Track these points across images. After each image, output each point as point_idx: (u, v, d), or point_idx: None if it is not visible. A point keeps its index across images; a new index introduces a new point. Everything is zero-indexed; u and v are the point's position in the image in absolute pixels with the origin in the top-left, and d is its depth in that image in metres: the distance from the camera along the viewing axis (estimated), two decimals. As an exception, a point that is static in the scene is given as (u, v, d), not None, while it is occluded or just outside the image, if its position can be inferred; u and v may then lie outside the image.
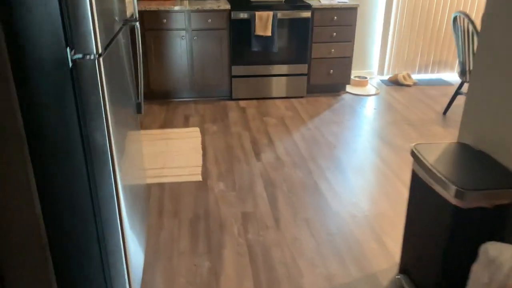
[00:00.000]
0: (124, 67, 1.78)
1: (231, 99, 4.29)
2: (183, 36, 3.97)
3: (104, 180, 1.44)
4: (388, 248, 2.16)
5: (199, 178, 2.79)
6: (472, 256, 1.49)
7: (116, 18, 1.65)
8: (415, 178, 1.76)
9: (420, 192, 1.72)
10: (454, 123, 3.72)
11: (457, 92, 3.82)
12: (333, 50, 4.23)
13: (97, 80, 1.32)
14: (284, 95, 4.33)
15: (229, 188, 2.68)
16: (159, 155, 3.09)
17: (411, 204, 1.83)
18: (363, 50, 4.89)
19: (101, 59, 1.30)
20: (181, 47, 4.01)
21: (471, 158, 1.67)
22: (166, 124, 3.68)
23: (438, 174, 1.55)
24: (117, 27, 1.65)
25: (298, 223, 2.36)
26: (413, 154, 1.75)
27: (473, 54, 3.50)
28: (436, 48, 4.94)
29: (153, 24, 3.90)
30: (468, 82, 3.55)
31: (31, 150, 1.29)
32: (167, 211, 2.47)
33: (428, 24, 4.82)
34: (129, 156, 1.73)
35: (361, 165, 3.00)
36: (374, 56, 4.95)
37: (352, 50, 4.27)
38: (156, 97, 4.26)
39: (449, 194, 1.50)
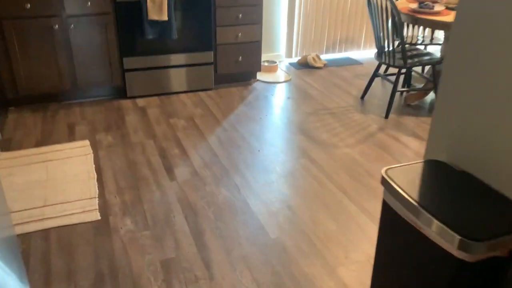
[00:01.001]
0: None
1: (126, 97, 3.59)
2: (56, 24, 3.14)
3: None
4: (347, 286, 1.79)
5: (97, 215, 2.15)
6: (481, 316, 1.16)
7: None
8: (390, 213, 1.38)
9: (400, 233, 1.35)
10: (373, 108, 3.51)
11: (375, 75, 3.61)
12: (240, 34, 3.74)
13: None
14: (189, 89, 3.75)
15: (139, 226, 2.09)
16: (37, 187, 2.35)
17: (384, 244, 1.46)
18: (269, 31, 4.48)
19: None
20: (55, 38, 3.18)
21: (458, 184, 1.32)
22: (43, 139, 2.89)
23: (432, 218, 1.18)
24: None
25: (234, 264, 1.88)
26: (385, 182, 1.36)
27: (392, 33, 3.28)
28: (342, 27, 4.72)
29: (12, 10, 3.01)
30: (386, 64, 3.33)
31: None
32: (56, 273, 1.81)
33: (332, 3, 4.55)
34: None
35: (291, 170, 2.61)
36: (281, 37, 4.57)
37: (261, 33, 3.82)
38: (28, 103, 3.39)
39: (450, 244, 1.14)
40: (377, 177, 2.56)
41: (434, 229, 1.19)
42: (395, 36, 3.43)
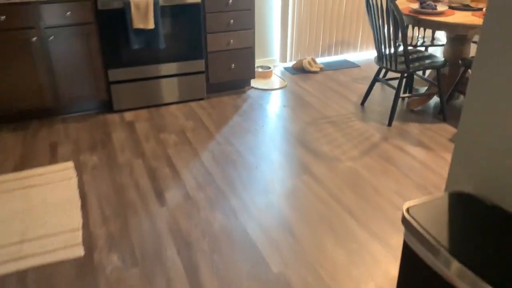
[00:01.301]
0: None
1: (112, 111, 3.38)
2: (34, 37, 2.92)
3: None
4: (362, 328, 1.61)
5: (80, 251, 1.94)
6: None
7: None
8: (412, 257, 1.19)
9: (424, 282, 1.16)
10: (374, 115, 3.33)
11: (375, 79, 3.43)
12: (232, 40, 3.54)
13: None
14: (180, 99, 3.54)
15: (127, 263, 1.89)
16: (15, 218, 2.14)
17: (405, 289, 1.27)
18: (262, 36, 4.28)
19: None
20: (34, 51, 2.97)
21: (491, 222, 1.14)
22: (23, 162, 2.68)
23: (465, 267, 0.99)
24: None
25: (234, 305, 1.69)
26: (406, 223, 1.17)
27: (393, 36, 3.09)
28: (338, 28, 4.53)
29: (-15, 23, 2.79)
30: (388, 68, 3.15)
31: None
32: (33, 325, 1.61)
33: (327, 4, 4.36)
34: None
35: (292, 189, 2.41)
36: (275, 41, 4.38)
37: (254, 39, 3.62)
38: (6, 121, 3.17)
39: (492, 303, 0.95)
40: (384, 193, 2.38)
41: (466, 281, 1.00)
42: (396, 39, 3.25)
